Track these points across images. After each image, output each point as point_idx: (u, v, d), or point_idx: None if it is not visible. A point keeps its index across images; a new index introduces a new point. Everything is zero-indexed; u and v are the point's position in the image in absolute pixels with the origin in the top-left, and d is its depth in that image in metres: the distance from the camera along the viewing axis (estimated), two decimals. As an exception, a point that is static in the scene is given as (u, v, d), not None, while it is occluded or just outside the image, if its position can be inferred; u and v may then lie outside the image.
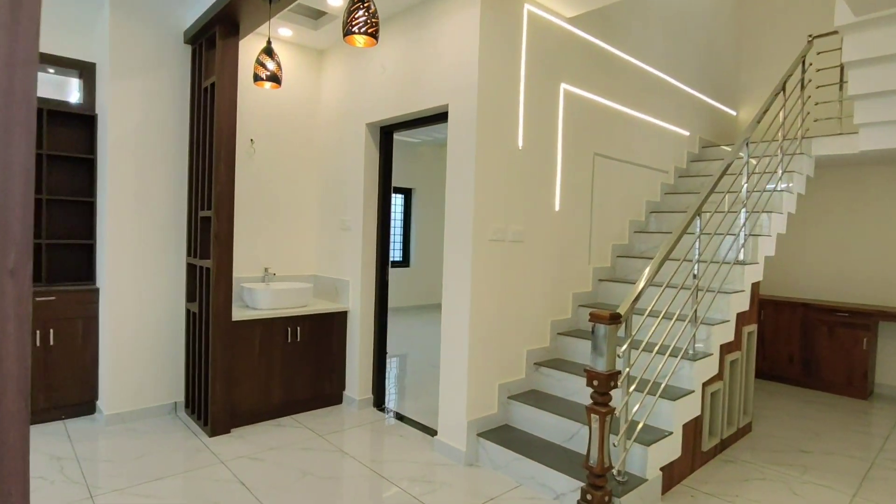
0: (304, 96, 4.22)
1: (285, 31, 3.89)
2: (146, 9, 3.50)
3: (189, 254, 3.69)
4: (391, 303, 8.40)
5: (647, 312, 2.73)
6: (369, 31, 2.12)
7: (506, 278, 3.22)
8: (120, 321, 3.51)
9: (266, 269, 4.02)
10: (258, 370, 3.56)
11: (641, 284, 2.45)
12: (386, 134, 3.89)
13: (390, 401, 4.17)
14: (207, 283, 3.38)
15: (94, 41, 3.65)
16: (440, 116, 3.38)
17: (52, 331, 3.46)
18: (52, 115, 3.62)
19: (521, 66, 3.22)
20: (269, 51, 2.78)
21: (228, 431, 3.41)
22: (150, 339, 3.63)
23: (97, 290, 3.58)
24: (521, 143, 3.26)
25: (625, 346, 2.39)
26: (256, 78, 2.79)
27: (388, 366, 4.95)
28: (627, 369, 2.45)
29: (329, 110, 4.22)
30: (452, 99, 3.12)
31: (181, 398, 3.76)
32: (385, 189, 3.93)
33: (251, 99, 3.93)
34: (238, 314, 3.47)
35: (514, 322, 3.30)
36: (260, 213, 4.04)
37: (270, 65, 2.78)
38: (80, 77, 3.67)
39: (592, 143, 3.84)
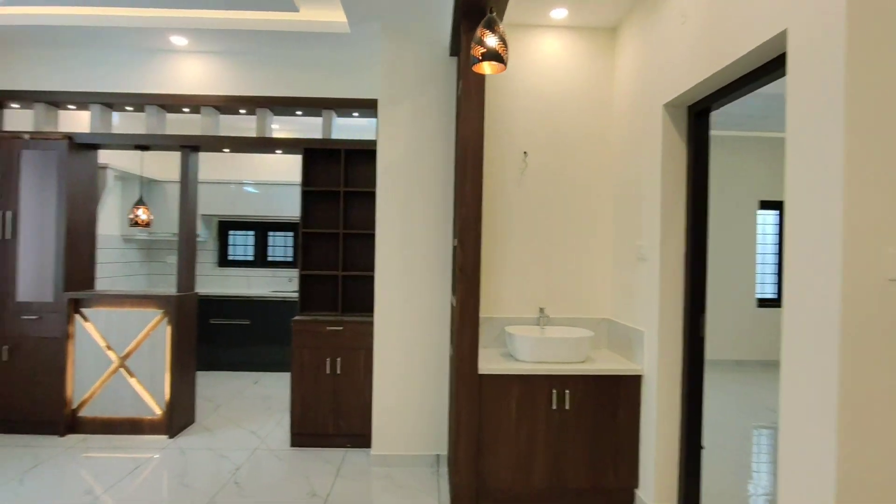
0: (591, 90, 3.31)
1: (559, 13, 3.10)
2: (412, 25, 3.31)
3: (453, 291, 3.27)
4: (735, 354, 6.32)
5: None
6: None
7: (940, 362, 1.52)
8: (387, 358, 3.34)
9: (541, 310, 3.24)
10: (515, 440, 2.79)
11: None
12: (697, 116, 2.60)
13: (710, 518, 2.72)
14: (458, 325, 2.84)
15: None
16: (771, 66, 1.95)
17: (339, 360, 3.56)
18: (349, 154, 3.82)
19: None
20: (489, 23, 2.06)
21: (474, 511, 2.75)
22: (415, 383, 3.33)
23: (365, 324, 3.53)
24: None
25: None
26: (473, 61, 2.11)
27: (703, 458, 3.40)
28: None
29: (621, 100, 3.19)
30: (793, 19, 1.70)
31: (444, 451, 3.33)
32: (697, 198, 2.62)
33: (524, 105, 3.28)
34: (492, 365, 2.80)
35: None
36: (534, 240, 3.31)
37: (491, 40, 2.04)
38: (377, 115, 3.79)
39: None
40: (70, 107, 3.95)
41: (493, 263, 3.28)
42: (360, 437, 3.55)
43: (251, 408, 4.46)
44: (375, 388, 3.34)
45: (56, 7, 3.41)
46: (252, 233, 6.50)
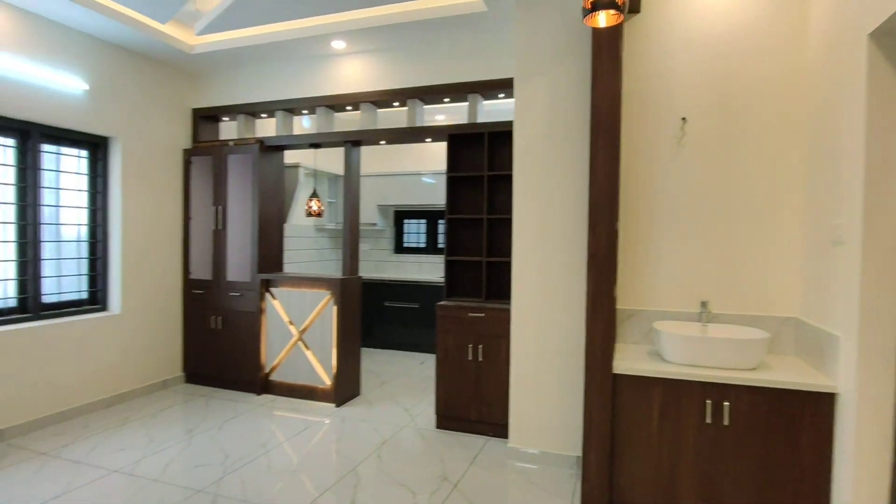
0: (772, 30, 2.65)
1: (725, -58, 2.53)
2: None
3: (595, 276, 2.95)
4: None
5: None
6: None
7: None
8: (522, 348, 3.18)
9: (703, 304, 2.73)
10: (656, 453, 2.40)
11: None
12: (924, 45, 1.88)
13: None
14: (591, 317, 2.55)
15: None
16: None
17: (480, 347, 3.52)
18: (493, 137, 3.72)
19: None
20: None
21: (607, 527, 2.45)
22: (552, 376, 3.11)
23: (506, 311, 3.39)
24: None
25: None
26: (584, 13, 1.80)
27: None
28: None
29: (814, 37, 2.48)
30: None
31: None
32: (923, 159, 1.90)
33: (682, 60, 2.78)
34: (631, 364, 2.45)
35: None
36: (695, 221, 2.80)
37: (605, -17, 1.73)
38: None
39: None
40: (263, 115, 4.60)
41: (643, 248, 2.88)
42: (501, 426, 3.46)
43: (411, 387, 4.71)
44: (512, 379, 3.21)
45: (243, 31, 3.99)
46: (424, 221, 6.85)
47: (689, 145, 2.79)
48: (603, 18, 1.86)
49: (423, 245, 6.86)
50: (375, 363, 5.55)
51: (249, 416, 3.89)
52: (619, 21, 1.85)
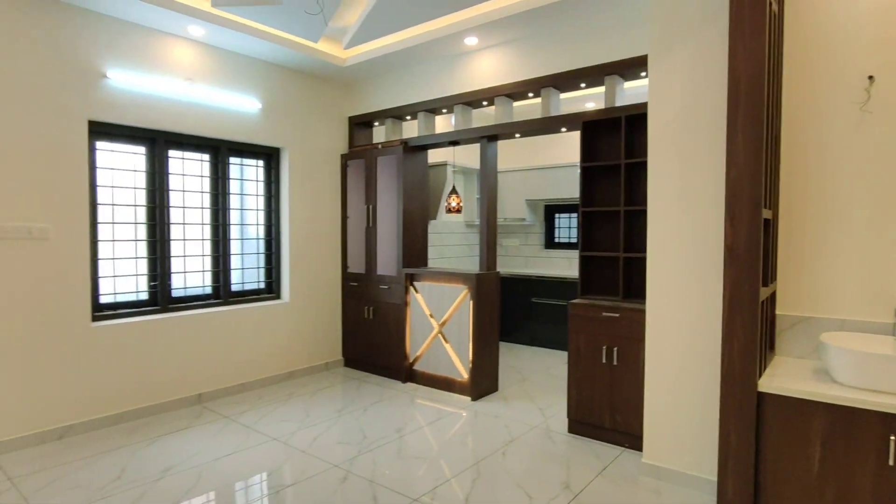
0: None
1: None
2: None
3: (746, 275, 2.49)
4: None
5: None
6: None
7: None
8: (658, 353, 2.84)
9: (900, 311, 2.14)
10: (818, 496, 1.94)
11: None
12: None
13: None
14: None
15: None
16: None
17: (615, 349, 3.24)
18: (630, 122, 3.38)
19: None
20: None
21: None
22: (692, 389, 2.72)
23: (643, 312, 3.05)
24: None
25: None
26: None
27: None
28: None
29: None
30: None
31: (735, 482, 2.60)
32: None
33: (866, 6, 2.20)
34: (785, 382, 2.02)
35: None
36: (885, 206, 2.20)
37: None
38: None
39: None
40: (407, 118, 4.84)
41: (813, 241, 2.36)
42: (637, 437, 3.14)
43: (551, 386, 4.55)
44: (647, 387, 2.89)
45: (384, 39, 4.24)
46: (574, 215, 6.55)
47: (878, 111, 2.19)
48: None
49: (574, 240, 6.57)
50: (519, 359, 5.48)
51: (392, 402, 4.14)
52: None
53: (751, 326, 2.03)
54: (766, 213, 2.15)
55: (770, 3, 2.07)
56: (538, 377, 4.82)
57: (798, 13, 2.36)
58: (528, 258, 6.87)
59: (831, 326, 2.30)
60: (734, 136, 2.05)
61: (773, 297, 2.43)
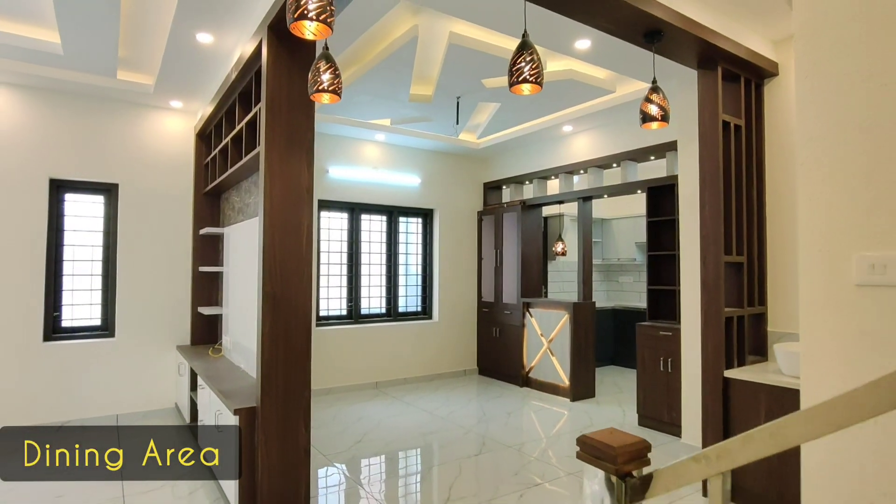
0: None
1: None
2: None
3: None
4: None
5: None
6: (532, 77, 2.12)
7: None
8: (689, 361, 3.85)
9: (848, 328, 2.99)
10: (766, 447, 2.90)
11: None
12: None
13: None
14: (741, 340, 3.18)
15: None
16: None
17: (670, 360, 4.27)
18: (650, 190, 4.47)
19: None
20: None
21: None
22: (716, 384, 3.69)
23: (679, 330, 4.06)
24: None
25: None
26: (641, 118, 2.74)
27: None
28: None
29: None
30: None
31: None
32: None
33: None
34: (745, 374, 3.03)
35: None
36: (838, 254, 3.07)
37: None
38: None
39: None
40: (526, 182, 6.33)
41: (792, 274, 3.27)
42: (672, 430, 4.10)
43: (642, 398, 5.51)
44: (683, 385, 3.90)
45: (506, 130, 5.83)
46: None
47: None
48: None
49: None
50: (625, 379, 6.45)
51: (509, 397, 5.52)
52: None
53: (718, 333, 3.09)
54: (738, 259, 3.19)
55: (731, 123, 3.17)
56: (634, 391, 5.78)
57: (774, 110, 3.37)
58: (634, 293, 7.77)
59: (803, 339, 3.18)
60: (703, 209, 3.18)
61: (762, 316, 3.37)
